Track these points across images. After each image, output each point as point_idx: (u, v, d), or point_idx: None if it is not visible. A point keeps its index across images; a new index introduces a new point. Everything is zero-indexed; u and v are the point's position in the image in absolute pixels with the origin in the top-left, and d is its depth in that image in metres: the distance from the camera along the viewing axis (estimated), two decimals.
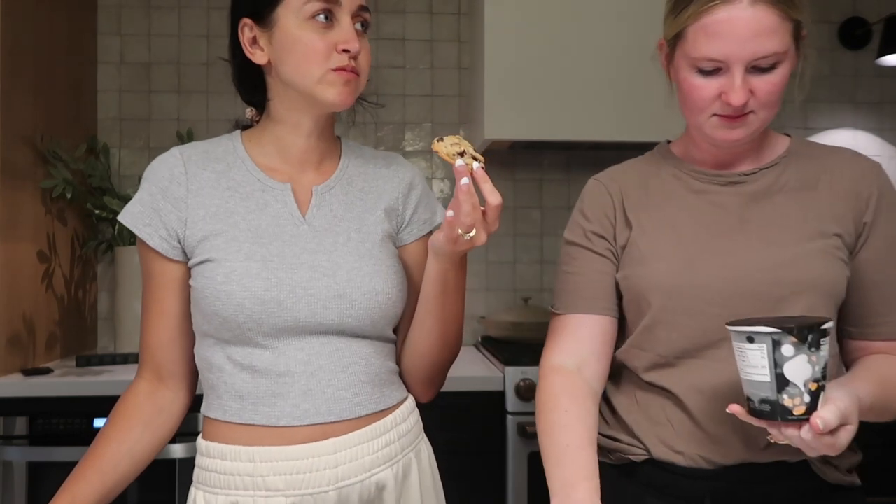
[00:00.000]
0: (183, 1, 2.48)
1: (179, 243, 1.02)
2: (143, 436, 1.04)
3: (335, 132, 1.14)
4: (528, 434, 1.85)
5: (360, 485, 1.01)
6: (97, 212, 2.23)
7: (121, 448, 1.02)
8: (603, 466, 1.09)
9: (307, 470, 0.98)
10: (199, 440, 1.04)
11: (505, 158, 2.55)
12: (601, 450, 1.10)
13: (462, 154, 0.94)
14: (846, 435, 0.82)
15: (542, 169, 2.56)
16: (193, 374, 1.09)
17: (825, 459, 1.00)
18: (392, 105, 2.54)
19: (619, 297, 1.10)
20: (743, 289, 0.99)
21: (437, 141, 0.95)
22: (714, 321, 0.99)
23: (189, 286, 1.04)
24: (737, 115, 0.97)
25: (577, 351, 1.07)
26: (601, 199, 1.12)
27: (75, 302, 2.30)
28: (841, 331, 1.06)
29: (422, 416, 1.15)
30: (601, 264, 1.10)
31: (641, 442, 1.05)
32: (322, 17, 0.98)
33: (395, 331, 1.11)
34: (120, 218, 1.04)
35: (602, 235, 1.11)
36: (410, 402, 1.12)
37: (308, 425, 0.99)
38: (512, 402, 1.89)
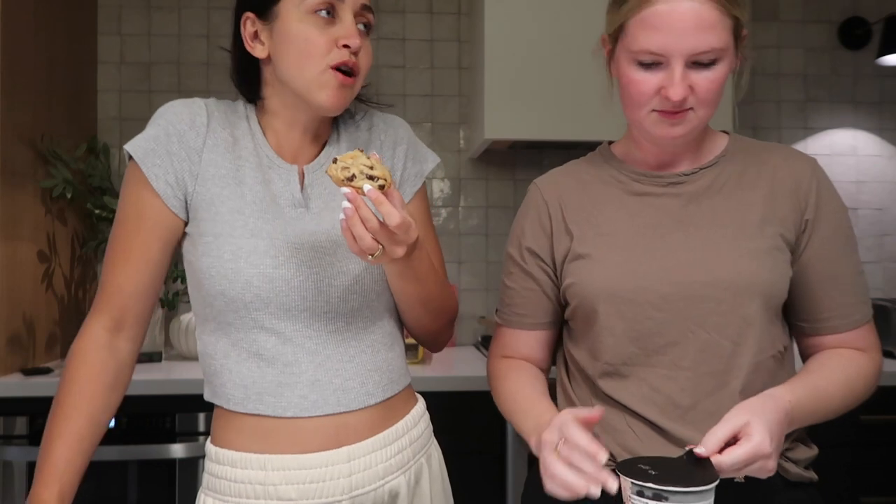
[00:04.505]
0: (183, 1, 2.48)
1: (184, 197, 0.99)
2: (109, 400, 0.98)
3: None
4: None
5: (373, 493, 1.00)
6: (97, 212, 2.22)
7: (92, 419, 0.96)
8: None
9: (320, 479, 0.97)
10: (209, 445, 1.03)
11: (505, 158, 2.55)
12: None
13: (352, 178, 0.87)
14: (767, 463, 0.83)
15: (542, 169, 2.55)
16: (148, 324, 1.03)
17: (785, 457, 1.01)
18: (392, 105, 2.54)
19: (565, 304, 1.09)
20: (683, 292, 0.99)
21: (332, 163, 0.88)
22: (656, 325, 1.00)
23: (177, 241, 1.00)
24: (676, 111, 0.97)
25: (518, 357, 1.15)
26: (538, 209, 1.12)
27: (75, 302, 2.30)
28: (793, 326, 1.07)
29: (429, 416, 1.15)
30: (532, 283, 1.11)
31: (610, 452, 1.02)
32: (324, 11, 0.97)
33: None
34: (128, 148, 0.98)
35: (535, 252, 1.11)
36: (421, 405, 1.12)
37: (316, 416, 0.98)
38: None
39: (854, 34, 2.63)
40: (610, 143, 1.16)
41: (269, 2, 1.00)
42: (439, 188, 2.56)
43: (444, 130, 2.56)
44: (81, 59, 2.37)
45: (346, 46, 0.97)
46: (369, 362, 1.02)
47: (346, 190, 0.86)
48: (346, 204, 0.85)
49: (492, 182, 2.56)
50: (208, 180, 0.99)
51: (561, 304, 1.12)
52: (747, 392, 0.99)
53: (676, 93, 0.94)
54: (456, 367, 2.09)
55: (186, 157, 0.99)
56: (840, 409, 0.99)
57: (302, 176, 1.04)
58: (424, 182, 1.13)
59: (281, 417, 0.98)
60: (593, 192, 1.10)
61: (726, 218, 1.02)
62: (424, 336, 1.13)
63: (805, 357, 1.08)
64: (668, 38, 0.93)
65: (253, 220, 0.98)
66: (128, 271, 0.99)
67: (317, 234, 1.00)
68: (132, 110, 2.47)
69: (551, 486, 0.85)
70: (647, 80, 0.97)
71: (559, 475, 0.84)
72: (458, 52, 2.56)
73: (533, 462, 1.19)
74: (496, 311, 1.19)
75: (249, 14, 1.02)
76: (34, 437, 1.81)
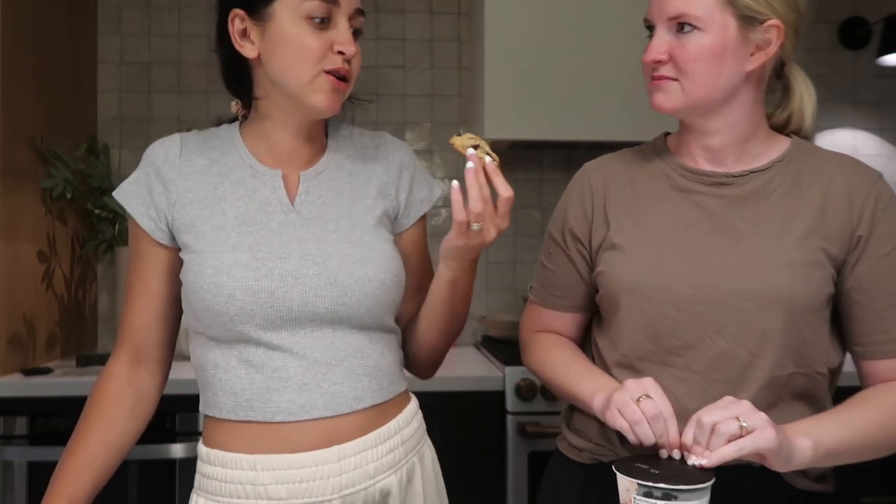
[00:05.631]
0: (183, 1, 2.48)
1: (167, 227, 1.02)
2: (126, 425, 1.03)
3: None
4: (528, 434, 1.85)
5: (364, 492, 1.00)
6: (97, 212, 2.23)
7: (108, 441, 1.01)
8: (573, 465, 1.10)
9: (310, 478, 0.97)
10: (200, 446, 1.03)
11: (505, 158, 2.54)
12: (572, 447, 1.11)
13: (475, 147, 0.95)
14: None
15: (542, 169, 2.56)
16: (170, 358, 1.09)
17: None
18: (392, 105, 2.54)
19: (595, 290, 1.11)
20: (705, 296, 0.98)
21: (456, 136, 0.97)
22: (674, 325, 0.99)
23: (175, 270, 1.03)
24: (656, 77, 1.01)
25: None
26: (583, 192, 1.13)
27: (75, 302, 2.30)
28: (851, 353, 1.03)
29: (422, 414, 1.15)
30: (571, 266, 1.13)
31: (610, 442, 1.04)
32: (319, 19, 0.97)
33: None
34: (115, 194, 1.04)
35: (577, 236, 1.12)
36: (413, 404, 1.11)
37: (305, 421, 0.98)
38: (512, 402, 1.89)
39: (854, 34, 2.63)
40: (667, 134, 1.15)
41: (263, 1, 0.98)
42: (439, 188, 2.56)
43: (444, 130, 2.56)
44: (81, 59, 2.37)
45: (340, 53, 0.98)
46: (359, 367, 1.01)
47: (471, 151, 0.93)
48: (469, 165, 0.92)
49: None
50: (187, 205, 1.01)
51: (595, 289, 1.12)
52: (762, 406, 0.96)
53: (647, 54, 1.00)
54: (456, 367, 2.09)
55: (164, 189, 1.02)
56: (882, 440, 0.95)
57: (297, 181, 1.04)
58: (426, 213, 1.15)
59: (271, 423, 0.98)
60: (639, 183, 1.09)
61: (768, 226, 0.99)
62: (428, 355, 1.14)
63: (864, 387, 1.03)
64: (653, 3, 1.00)
65: (235, 234, 0.99)
66: (135, 307, 1.04)
67: (306, 242, 1.00)
68: (132, 110, 2.47)
69: (627, 428, 0.90)
70: (646, 49, 1.02)
71: (638, 423, 0.89)
72: (458, 52, 2.56)
73: (545, 461, 1.20)
74: (530, 287, 1.21)
75: (238, 11, 1.00)
76: (34, 437, 1.81)
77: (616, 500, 0.86)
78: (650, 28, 1.02)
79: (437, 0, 2.55)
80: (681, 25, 0.97)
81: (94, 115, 2.44)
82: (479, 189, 0.92)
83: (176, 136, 1.06)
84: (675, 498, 0.80)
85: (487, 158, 0.94)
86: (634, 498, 0.82)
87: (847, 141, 2.66)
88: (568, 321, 1.15)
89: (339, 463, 0.98)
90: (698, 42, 0.96)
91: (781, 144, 1.06)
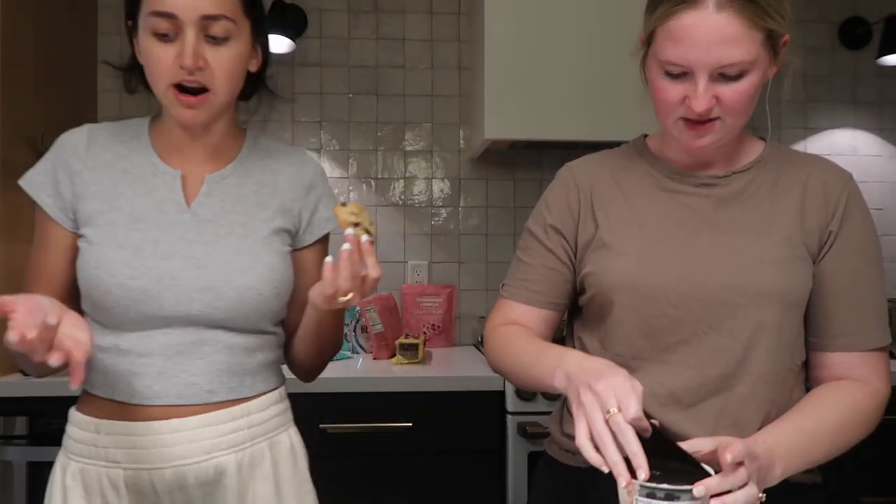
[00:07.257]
0: None
1: (74, 217, 1.05)
2: None
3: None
4: (528, 434, 1.85)
5: (196, 466, 1.03)
6: None
7: None
8: (567, 469, 1.09)
9: (144, 446, 1.01)
10: (71, 409, 1.08)
11: (505, 158, 2.55)
12: (564, 451, 1.10)
13: (356, 225, 0.96)
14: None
15: (542, 169, 2.56)
16: None
17: None
18: (392, 105, 2.54)
19: (581, 291, 1.10)
20: (700, 293, 0.99)
21: (341, 205, 0.98)
22: (669, 323, 1.00)
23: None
24: (702, 122, 0.97)
25: None
26: (568, 191, 1.13)
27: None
28: (806, 343, 1.05)
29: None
30: (551, 261, 1.11)
31: None
32: (161, 32, 0.99)
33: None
34: (21, 183, 1.06)
35: (559, 231, 1.11)
36: (275, 395, 1.13)
37: (158, 406, 1.02)
38: (512, 402, 1.89)
39: (854, 34, 2.63)
40: (645, 136, 1.15)
41: (131, 13, 1.03)
42: (439, 188, 2.56)
43: (444, 130, 2.56)
44: (81, 59, 2.36)
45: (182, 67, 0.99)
46: (222, 363, 1.05)
47: (349, 232, 0.94)
48: (346, 246, 0.93)
49: (492, 182, 2.56)
50: (88, 198, 1.04)
51: (575, 289, 1.12)
52: (757, 399, 0.99)
53: (700, 105, 0.94)
54: (456, 367, 2.09)
55: (69, 181, 1.05)
56: (833, 451, 0.97)
57: (201, 183, 1.08)
58: (329, 233, 1.17)
59: (128, 404, 1.02)
60: (624, 184, 1.10)
61: (754, 224, 1.02)
62: (305, 366, 1.18)
63: (811, 377, 1.05)
64: (692, 51, 0.93)
65: (124, 231, 1.03)
66: (41, 290, 1.03)
67: (193, 244, 1.04)
68: (132, 110, 2.45)
69: (582, 438, 0.85)
70: (672, 89, 0.97)
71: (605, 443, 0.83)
72: (458, 52, 2.56)
73: (537, 459, 1.19)
74: (502, 285, 1.18)
75: (129, 21, 1.05)
76: (34, 437, 1.81)
77: (616, 502, 0.86)
78: (679, 74, 0.96)
79: (437, 0, 2.56)
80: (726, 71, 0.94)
81: (94, 115, 2.44)
82: (352, 268, 0.94)
83: (84, 128, 1.09)
84: (678, 498, 0.80)
85: (364, 237, 0.96)
86: (636, 499, 0.82)
87: (847, 141, 2.66)
88: (539, 318, 1.12)
89: (174, 435, 1.02)
90: (750, 82, 0.95)
91: (757, 146, 1.09)
